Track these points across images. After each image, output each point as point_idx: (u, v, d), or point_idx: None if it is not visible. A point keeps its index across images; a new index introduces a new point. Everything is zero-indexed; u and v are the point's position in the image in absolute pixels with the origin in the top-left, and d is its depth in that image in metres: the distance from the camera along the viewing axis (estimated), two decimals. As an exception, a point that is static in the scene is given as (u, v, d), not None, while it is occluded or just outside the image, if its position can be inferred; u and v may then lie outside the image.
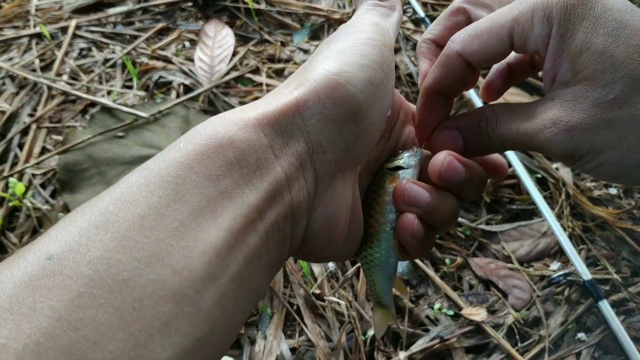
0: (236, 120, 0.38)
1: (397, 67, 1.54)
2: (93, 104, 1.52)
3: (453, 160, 0.45)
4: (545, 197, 1.16)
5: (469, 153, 0.47)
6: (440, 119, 0.49)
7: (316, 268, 1.14)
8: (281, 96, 0.40)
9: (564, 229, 1.16)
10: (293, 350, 1.04)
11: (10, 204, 1.28)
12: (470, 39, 0.45)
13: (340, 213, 0.42)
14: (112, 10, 1.83)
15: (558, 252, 1.17)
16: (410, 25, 1.68)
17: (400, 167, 0.48)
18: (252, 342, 1.04)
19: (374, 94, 0.41)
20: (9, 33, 1.77)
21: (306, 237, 0.41)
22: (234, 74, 1.55)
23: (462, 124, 0.47)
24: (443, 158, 0.45)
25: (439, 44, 0.51)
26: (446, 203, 0.46)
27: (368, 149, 0.43)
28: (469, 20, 0.50)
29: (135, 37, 1.74)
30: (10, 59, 1.69)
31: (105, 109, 1.47)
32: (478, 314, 1.07)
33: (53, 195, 1.32)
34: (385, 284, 0.49)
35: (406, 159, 0.48)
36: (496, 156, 0.51)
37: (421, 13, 1.64)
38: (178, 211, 0.33)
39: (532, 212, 1.24)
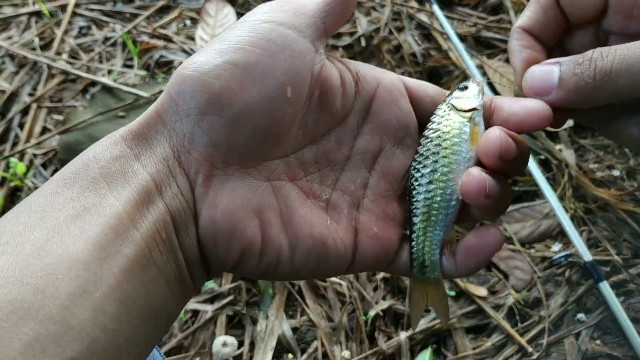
0: (103, 141, 0.38)
1: (400, 46, 1.53)
2: (93, 83, 1.51)
3: (508, 138, 0.40)
4: (547, 179, 1.16)
5: (563, 95, 0.41)
6: (532, 63, 0.44)
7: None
8: (148, 109, 0.40)
9: (566, 211, 1.16)
10: (295, 329, 1.05)
11: (12, 183, 1.28)
12: None
13: (239, 217, 0.38)
14: (111, -12, 1.81)
15: (559, 234, 1.17)
16: (414, 4, 1.66)
17: (475, 109, 0.43)
18: (254, 321, 1.05)
19: (241, 77, 0.37)
20: (8, 11, 1.76)
21: (204, 249, 0.38)
22: (235, 53, 1.53)
23: (564, 60, 0.41)
24: (499, 135, 0.40)
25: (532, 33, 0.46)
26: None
27: (257, 138, 0.39)
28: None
29: (135, 16, 1.72)
30: (10, 38, 1.68)
31: (106, 89, 1.46)
32: (479, 290, 1.08)
33: (54, 175, 1.32)
34: (439, 235, 0.43)
35: (478, 99, 0.43)
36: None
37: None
38: (42, 233, 0.32)
39: (535, 194, 1.24)
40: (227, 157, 0.38)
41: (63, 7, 1.75)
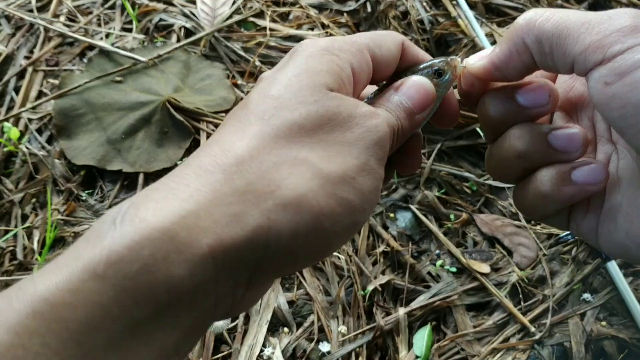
0: (177, 244, 0.29)
1: (407, 13, 1.47)
2: (91, 46, 1.47)
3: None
4: (557, 153, 1.11)
5: (484, 62, 0.45)
6: None
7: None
8: (246, 216, 0.31)
9: (575, 187, 1.12)
10: (291, 303, 1.02)
11: (6, 149, 1.25)
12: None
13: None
14: (111, -52, 1.74)
15: (567, 210, 1.13)
16: (423, -31, 1.58)
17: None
18: (249, 294, 1.03)
19: (350, 234, 0.35)
20: (5, -29, 1.70)
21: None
22: (236, 17, 1.48)
23: None
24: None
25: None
26: None
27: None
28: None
29: (135, -23, 1.66)
30: (6, -2, 1.63)
31: (103, 52, 1.42)
32: (482, 267, 1.04)
33: (49, 141, 1.29)
34: None
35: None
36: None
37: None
38: None
39: (543, 169, 1.19)
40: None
41: (61, -32, 1.69)
